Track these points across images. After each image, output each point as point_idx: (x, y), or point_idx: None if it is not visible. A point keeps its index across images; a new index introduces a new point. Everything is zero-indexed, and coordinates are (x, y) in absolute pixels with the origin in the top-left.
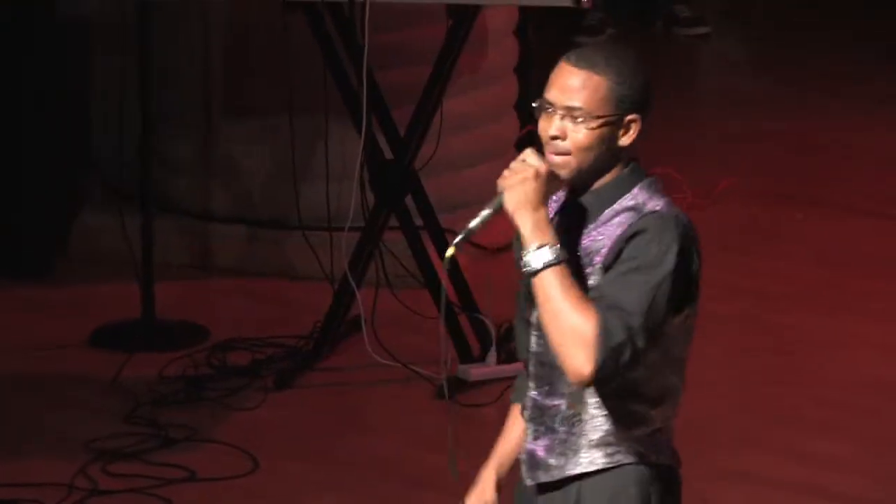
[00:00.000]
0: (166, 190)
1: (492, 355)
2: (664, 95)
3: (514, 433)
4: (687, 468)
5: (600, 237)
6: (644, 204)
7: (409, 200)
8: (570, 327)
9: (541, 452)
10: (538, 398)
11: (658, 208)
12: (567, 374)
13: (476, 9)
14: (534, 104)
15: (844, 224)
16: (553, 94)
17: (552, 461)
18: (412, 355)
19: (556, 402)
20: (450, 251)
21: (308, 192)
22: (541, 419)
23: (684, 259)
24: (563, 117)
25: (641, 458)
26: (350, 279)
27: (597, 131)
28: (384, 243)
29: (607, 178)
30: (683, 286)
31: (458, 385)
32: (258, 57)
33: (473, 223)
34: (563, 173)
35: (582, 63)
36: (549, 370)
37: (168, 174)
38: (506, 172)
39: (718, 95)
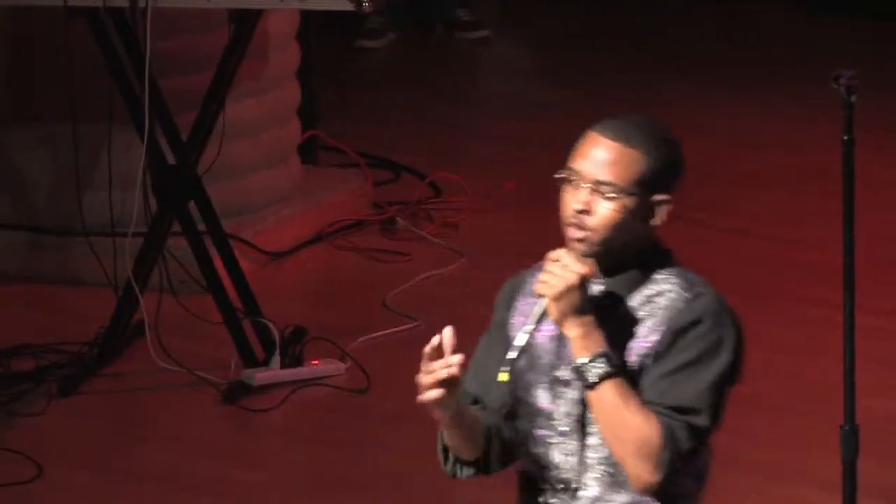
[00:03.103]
0: None
1: (276, 360)
2: (445, 100)
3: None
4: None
5: (641, 322)
6: (684, 286)
7: (192, 206)
8: (634, 438)
9: None
10: (568, 489)
11: (703, 291)
12: (631, 483)
13: (258, 13)
14: (556, 175)
15: None
16: (581, 164)
17: None
18: (196, 361)
19: (587, 492)
20: (502, 376)
21: (92, 199)
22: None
23: (740, 344)
24: (591, 191)
25: None
26: (133, 285)
27: (626, 209)
28: (168, 249)
29: (634, 259)
30: (739, 372)
31: (243, 390)
32: (41, 64)
33: (519, 341)
34: (582, 248)
35: (618, 136)
36: (579, 460)
37: None
38: (544, 277)
39: (499, 100)
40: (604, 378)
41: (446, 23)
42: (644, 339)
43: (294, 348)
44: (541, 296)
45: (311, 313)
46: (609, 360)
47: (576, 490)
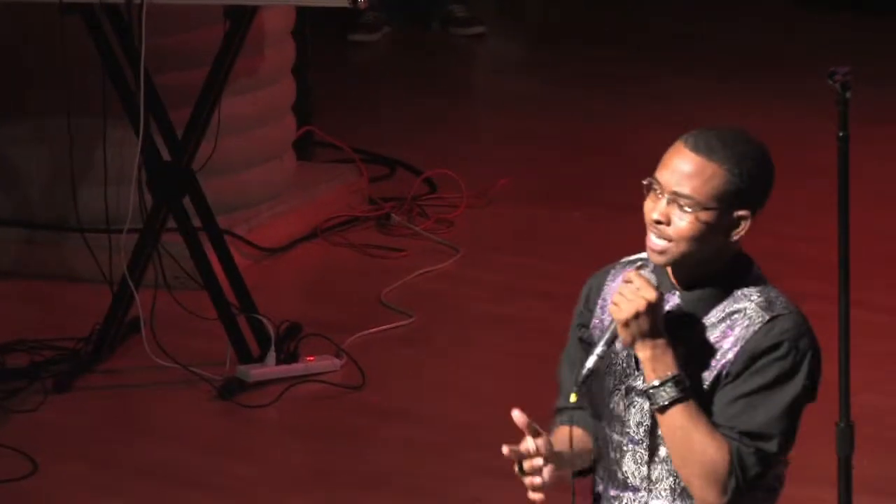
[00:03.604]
0: None
1: (271, 356)
2: (440, 96)
3: (564, 436)
4: (460, 469)
5: (719, 339)
6: (763, 303)
7: (187, 202)
8: (702, 462)
9: None
10: (641, 498)
11: (784, 312)
12: (696, 502)
13: (253, 10)
14: (644, 181)
15: (622, 224)
16: (664, 175)
17: None
18: (191, 357)
19: (659, 502)
20: (572, 398)
21: (87, 195)
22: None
23: (816, 369)
24: (669, 202)
25: None
26: (129, 281)
27: (703, 223)
28: (163, 245)
29: (714, 272)
30: (812, 392)
31: (238, 386)
32: (36, 59)
33: (590, 362)
34: (662, 259)
35: (700, 148)
36: (649, 470)
37: None
38: (616, 299)
39: (494, 96)
40: (673, 403)
41: (442, 18)
42: (718, 359)
43: (289, 344)
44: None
45: (306, 309)
46: (678, 385)
47: (645, 501)
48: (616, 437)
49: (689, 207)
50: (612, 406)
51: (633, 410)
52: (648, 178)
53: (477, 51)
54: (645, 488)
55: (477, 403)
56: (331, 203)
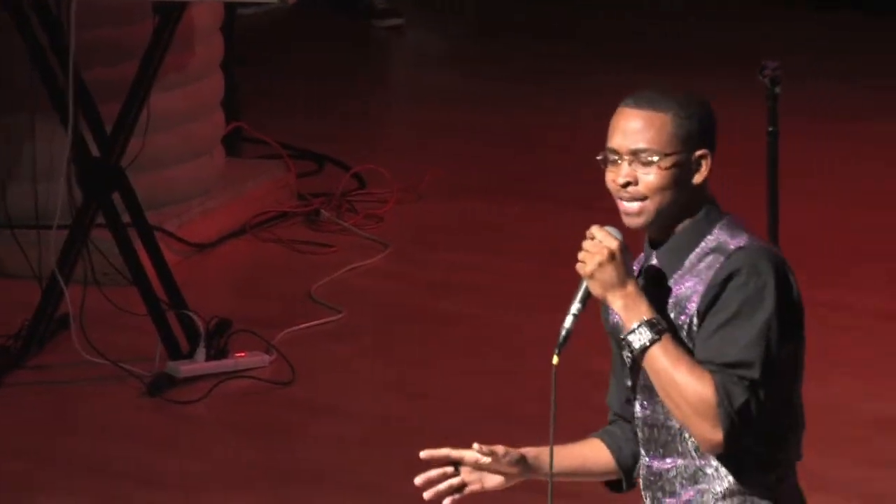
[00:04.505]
0: None
1: (200, 352)
2: (364, 89)
3: (579, 450)
4: (392, 463)
5: (688, 283)
6: (727, 243)
7: (116, 198)
8: (688, 399)
9: None
10: (652, 463)
11: (743, 244)
12: (697, 444)
13: (182, 6)
14: (598, 157)
15: (558, 217)
16: (616, 140)
17: None
18: (121, 353)
19: (671, 463)
20: (554, 360)
21: (16, 191)
22: (659, 484)
23: (784, 290)
24: (630, 162)
25: None
26: (58, 277)
27: (669, 170)
28: (92, 241)
29: (686, 222)
30: (788, 318)
31: (168, 382)
32: None
33: (568, 323)
34: (640, 221)
35: (642, 103)
36: (658, 432)
37: None
38: (581, 256)
39: (417, 90)
40: (649, 344)
41: (362, 10)
42: (691, 304)
43: (219, 340)
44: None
45: (235, 305)
46: (653, 327)
47: (659, 462)
48: (633, 409)
49: (653, 157)
50: (633, 410)
51: (635, 406)
52: (602, 152)
53: (396, 43)
54: (657, 453)
55: (407, 398)
56: (260, 199)
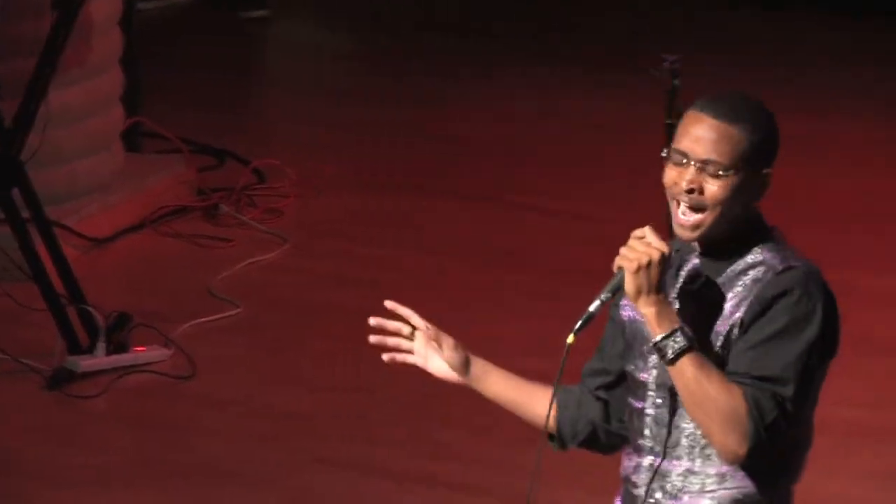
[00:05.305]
0: None
1: (100, 346)
2: (247, 82)
3: (528, 387)
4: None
5: (734, 292)
6: (776, 258)
7: (15, 193)
8: (720, 408)
9: None
10: (656, 461)
11: (796, 264)
12: (718, 452)
13: (80, 1)
14: (663, 154)
15: (456, 211)
16: (688, 144)
17: None
18: (20, 347)
19: (679, 465)
20: (570, 339)
21: None
22: (661, 483)
23: (831, 317)
24: (699, 170)
25: None
26: None
27: (735, 186)
28: None
29: (735, 232)
30: (828, 345)
31: (68, 376)
32: None
33: (593, 307)
34: (695, 234)
35: (720, 114)
36: (668, 431)
37: None
38: (624, 251)
39: (299, 81)
40: (682, 352)
41: (231, 1)
42: (731, 314)
43: (118, 335)
44: (619, 268)
45: (135, 300)
46: (685, 337)
47: (666, 462)
48: (639, 404)
49: (723, 171)
50: (634, 373)
51: (654, 373)
52: (667, 149)
53: (268, 35)
54: (665, 451)
55: (307, 392)
56: (159, 194)
